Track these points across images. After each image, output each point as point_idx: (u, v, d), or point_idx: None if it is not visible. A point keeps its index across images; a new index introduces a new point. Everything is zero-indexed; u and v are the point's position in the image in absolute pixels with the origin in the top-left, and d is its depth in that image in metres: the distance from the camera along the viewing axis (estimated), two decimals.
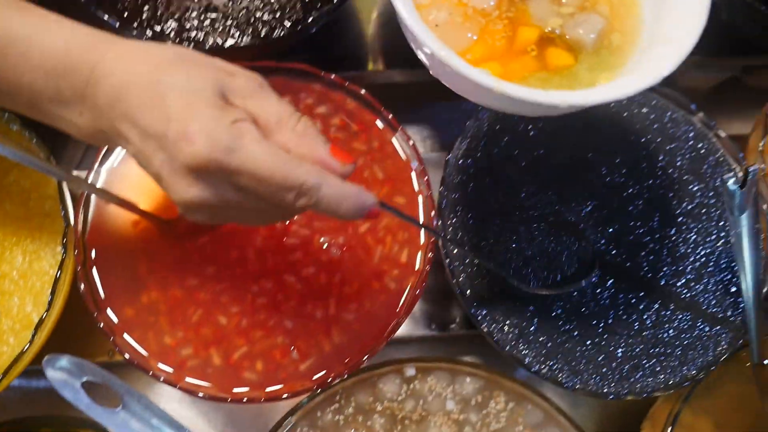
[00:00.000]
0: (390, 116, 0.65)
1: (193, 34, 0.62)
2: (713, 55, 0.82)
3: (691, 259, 0.64)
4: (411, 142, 0.64)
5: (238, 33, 0.62)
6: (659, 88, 0.69)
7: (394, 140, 0.65)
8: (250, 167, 0.38)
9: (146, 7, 0.63)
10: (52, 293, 0.57)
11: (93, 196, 0.61)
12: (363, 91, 0.65)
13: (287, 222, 0.62)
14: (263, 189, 0.39)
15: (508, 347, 0.60)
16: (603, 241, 0.64)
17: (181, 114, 0.38)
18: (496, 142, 0.66)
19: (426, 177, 0.62)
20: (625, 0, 0.51)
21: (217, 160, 0.38)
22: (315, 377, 0.59)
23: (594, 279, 0.62)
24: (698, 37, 0.46)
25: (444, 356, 0.64)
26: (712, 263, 0.64)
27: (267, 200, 0.40)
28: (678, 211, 0.66)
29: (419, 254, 0.62)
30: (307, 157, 0.40)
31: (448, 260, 0.62)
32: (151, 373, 0.57)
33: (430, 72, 0.54)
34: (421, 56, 0.52)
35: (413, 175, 0.63)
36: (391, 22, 0.81)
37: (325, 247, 0.62)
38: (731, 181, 0.53)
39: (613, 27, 0.50)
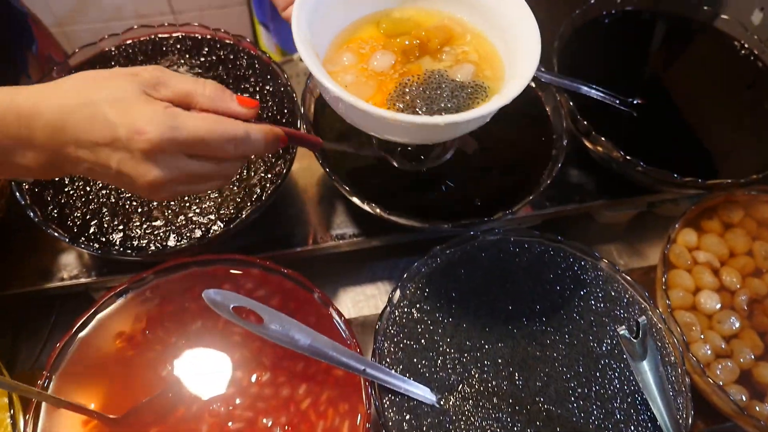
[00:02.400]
0: (321, 294, 0.71)
1: (136, 242, 0.69)
2: (620, 197, 0.91)
3: (618, 399, 0.68)
4: (342, 318, 0.69)
5: (177, 237, 0.70)
6: (565, 241, 0.76)
7: (330, 313, 0.71)
8: (194, 135, 0.49)
9: (93, 222, 0.70)
10: None
11: (43, 402, 0.65)
12: (296, 274, 0.71)
13: (230, 407, 0.65)
14: (210, 148, 0.51)
15: None
16: (532, 393, 0.67)
17: (124, 117, 0.48)
18: (421, 308, 0.71)
19: (358, 349, 0.67)
20: (488, 52, 0.65)
21: (168, 139, 0.48)
22: None
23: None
24: (533, 72, 0.58)
25: None
26: (639, 401, 0.68)
27: (215, 157, 0.52)
28: (599, 353, 0.70)
29: (359, 425, 0.65)
30: (224, 113, 0.53)
31: (385, 430, 0.64)
32: None
33: (346, 120, 0.63)
34: (338, 109, 0.62)
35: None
36: (328, 196, 0.90)
37: (269, 426, 0.65)
38: (624, 332, 0.58)
39: (482, 68, 0.64)
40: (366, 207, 0.74)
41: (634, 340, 0.58)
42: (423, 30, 0.65)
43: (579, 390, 0.68)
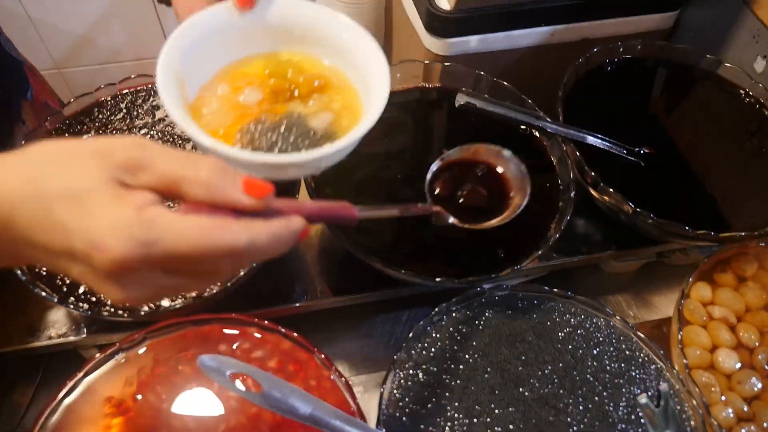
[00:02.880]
0: (323, 356, 0.67)
1: (128, 304, 0.66)
2: (629, 248, 0.88)
3: None
4: (343, 379, 0.65)
5: (171, 296, 0.67)
6: (576, 296, 0.74)
7: (331, 377, 0.67)
8: (175, 252, 0.36)
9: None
10: None
11: None
12: (295, 334, 0.68)
13: None
14: (197, 265, 0.38)
15: None
16: None
17: (79, 223, 0.35)
18: (427, 369, 0.68)
19: (362, 416, 0.63)
20: (353, 104, 0.65)
21: (138, 257, 0.35)
22: None
23: None
24: (379, 113, 0.57)
25: None
26: None
27: (204, 272, 0.40)
28: (616, 417, 0.67)
29: None
30: (223, 204, 0.39)
31: None
32: None
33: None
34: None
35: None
36: (329, 249, 0.87)
37: None
38: (645, 400, 0.55)
39: (341, 118, 0.64)
40: (376, 264, 0.71)
41: (656, 409, 0.55)
42: (301, 75, 0.67)
43: None
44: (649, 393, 0.62)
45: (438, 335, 0.71)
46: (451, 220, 0.71)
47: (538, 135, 0.85)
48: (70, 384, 0.65)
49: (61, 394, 0.65)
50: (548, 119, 0.82)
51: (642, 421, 0.66)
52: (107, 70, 2.11)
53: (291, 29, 0.67)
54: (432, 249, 0.77)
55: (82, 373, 0.66)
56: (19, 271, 0.68)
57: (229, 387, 0.55)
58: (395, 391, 0.67)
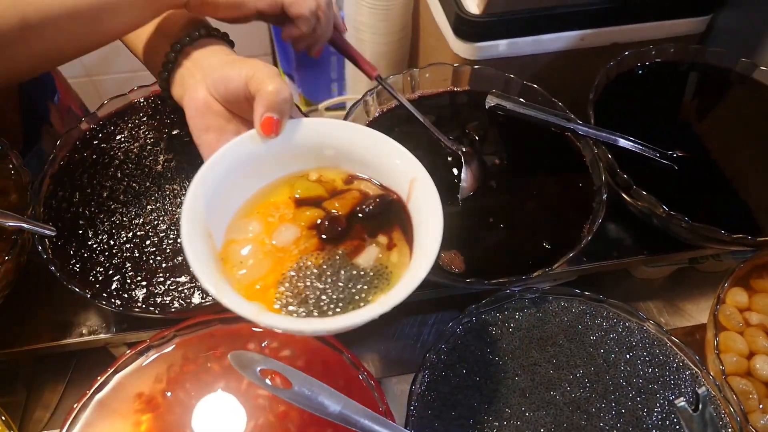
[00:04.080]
0: (351, 356, 0.67)
1: (159, 299, 0.66)
2: (661, 253, 0.87)
3: None
4: (374, 382, 0.65)
5: (202, 293, 0.67)
6: (608, 300, 0.72)
7: (360, 377, 0.67)
8: None
9: (116, 278, 0.68)
10: None
11: None
12: (324, 334, 0.68)
13: None
14: None
15: None
16: None
17: None
18: (458, 371, 0.67)
19: (391, 417, 0.63)
20: (396, 231, 0.59)
21: None
22: None
23: None
24: (438, 245, 0.52)
25: None
26: None
27: None
28: (650, 423, 0.65)
29: None
30: None
31: None
32: None
33: None
34: None
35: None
36: None
37: None
38: (683, 404, 0.54)
39: (390, 251, 0.58)
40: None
41: (694, 414, 0.54)
42: (336, 202, 0.60)
43: None
44: (686, 397, 0.60)
45: (468, 337, 0.70)
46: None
47: (570, 136, 0.84)
48: (101, 380, 0.66)
49: (92, 390, 0.65)
50: (579, 122, 0.81)
51: (677, 427, 0.65)
52: (137, 78, 2.15)
53: (322, 149, 0.61)
54: (461, 250, 0.76)
55: (112, 369, 0.66)
56: (52, 267, 0.69)
57: (259, 383, 0.56)
58: (424, 392, 0.66)
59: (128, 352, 0.67)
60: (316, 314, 0.54)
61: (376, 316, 0.50)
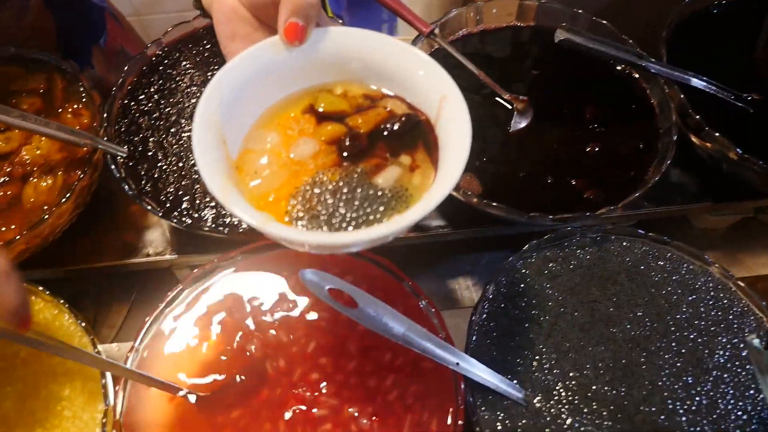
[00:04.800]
0: (412, 283, 0.68)
1: (227, 220, 0.68)
2: (724, 201, 0.84)
3: (732, 417, 0.62)
4: (435, 310, 0.66)
5: None
6: (673, 242, 0.71)
7: (420, 305, 0.68)
8: None
9: (185, 198, 0.69)
10: None
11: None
12: (386, 262, 0.69)
13: (315, 393, 0.63)
14: None
15: None
16: (636, 402, 0.63)
17: None
18: (517, 304, 0.68)
19: (450, 343, 0.64)
20: (422, 152, 0.56)
21: None
22: None
23: None
24: (462, 168, 0.48)
25: None
26: (756, 421, 0.62)
27: None
28: (710, 365, 0.65)
29: (449, 422, 0.62)
30: None
31: (478, 428, 0.61)
32: None
33: None
34: None
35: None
36: None
37: (355, 415, 0.63)
38: (755, 341, 0.53)
39: (412, 172, 0.55)
40: (459, 195, 0.71)
41: (765, 351, 0.53)
42: (360, 118, 0.57)
43: (688, 402, 0.63)
44: (759, 333, 0.60)
45: (527, 271, 0.70)
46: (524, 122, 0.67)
47: (637, 77, 0.82)
48: (171, 295, 0.68)
49: (163, 304, 0.68)
50: (651, 59, 0.78)
51: (738, 369, 0.64)
52: (184, 18, 2.15)
53: (348, 62, 0.58)
54: (524, 187, 0.76)
55: (181, 286, 0.69)
56: (125, 186, 0.71)
57: (327, 301, 0.57)
58: (484, 321, 0.67)
59: (196, 271, 0.69)
60: (325, 228, 0.51)
61: (388, 235, 0.47)
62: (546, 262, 0.71)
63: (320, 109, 0.58)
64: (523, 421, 0.62)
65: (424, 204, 0.49)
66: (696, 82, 0.78)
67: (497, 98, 0.81)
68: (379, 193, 0.53)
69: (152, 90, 0.79)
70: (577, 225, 0.72)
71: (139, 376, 0.62)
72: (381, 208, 0.52)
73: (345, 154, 0.55)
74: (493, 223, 0.79)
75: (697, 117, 0.74)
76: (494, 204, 0.69)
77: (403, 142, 0.56)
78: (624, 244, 0.72)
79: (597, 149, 0.77)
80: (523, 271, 0.70)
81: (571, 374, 0.64)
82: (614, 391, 0.63)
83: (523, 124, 0.78)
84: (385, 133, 0.56)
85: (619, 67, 0.83)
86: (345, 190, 0.53)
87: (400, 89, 0.58)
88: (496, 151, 0.78)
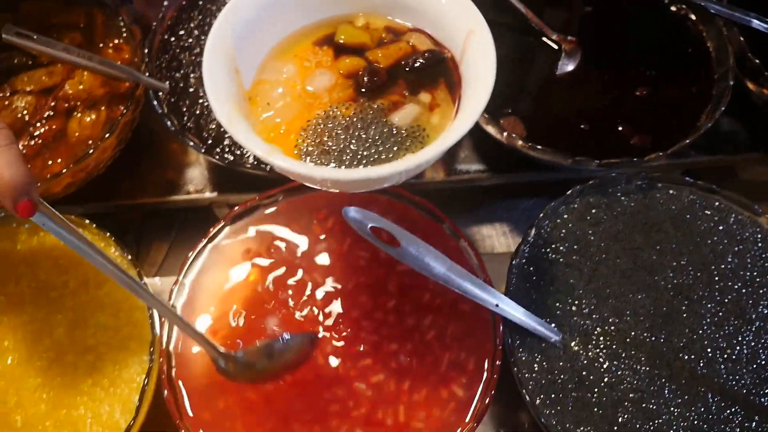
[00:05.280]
0: (451, 225, 0.68)
1: None
2: None
3: None
4: (475, 252, 0.66)
5: None
6: (722, 191, 0.69)
7: (460, 246, 0.68)
8: None
9: (227, 135, 0.69)
10: (140, 400, 0.60)
11: (179, 308, 0.66)
12: (426, 203, 0.68)
13: (356, 330, 0.64)
14: None
15: None
16: (675, 349, 0.63)
17: None
18: (557, 249, 0.67)
19: (490, 284, 0.64)
20: (442, 91, 0.54)
21: None
22: None
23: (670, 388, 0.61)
24: (481, 110, 0.47)
25: None
26: None
27: None
28: (753, 315, 0.64)
29: (486, 362, 0.63)
30: None
31: (516, 369, 0.62)
32: None
33: None
34: None
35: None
36: None
37: (395, 351, 0.64)
38: None
39: (431, 111, 0.52)
40: (502, 138, 0.69)
41: None
42: (380, 52, 0.54)
43: (728, 351, 0.62)
44: None
45: (569, 216, 0.69)
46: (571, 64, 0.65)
47: (693, 18, 0.78)
48: (214, 231, 0.69)
49: (206, 239, 0.69)
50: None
51: None
52: None
53: None
54: (569, 131, 0.74)
55: (223, 223, 0.70)
56: (168, 122, 0.71)
57: (369, 238, 0.57)
58: (524, 265, 0.66)
59: (237, 208, 0.70)
60: (334, 165, 0.50)
61: (396, 174, 0.46)
62: (589, 208, 0.70)
63: (340, 41, 0.55)
64: (560, 363, 0.62)
65: (440, 142, 0.47)
66: (757, 24, 0.74)
67: (544, 38, 0.78)
68: (394, 132, 0.51)
69: (192, 25, 0.78)
70: (622, 171, 0.71)
71: (180, 322, 0.62)
72: (395, 148, 0.50)
73: (362, 89, 0.53)
74: (534, 167, 0.78)
75: (756, 61, 0.70)
76: (539, 147, 0.67)
77: (424, 80, 0.54)
78: (670, 191, 0.70)
79: (646, 93, 0.75)
80: (566, 216, 0.69)
81: (610, 320, 0.64)
82: (653, 338, 0.63)
83: (570, 67, 0.75)
84: (407, 69, 0.54)
85: (674, 8, 0.79)
86: (359, 126, 0.51)
87: (425, 23, 0.55)
88: (542, 93, 0.76)
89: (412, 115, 0.52)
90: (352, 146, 0.50)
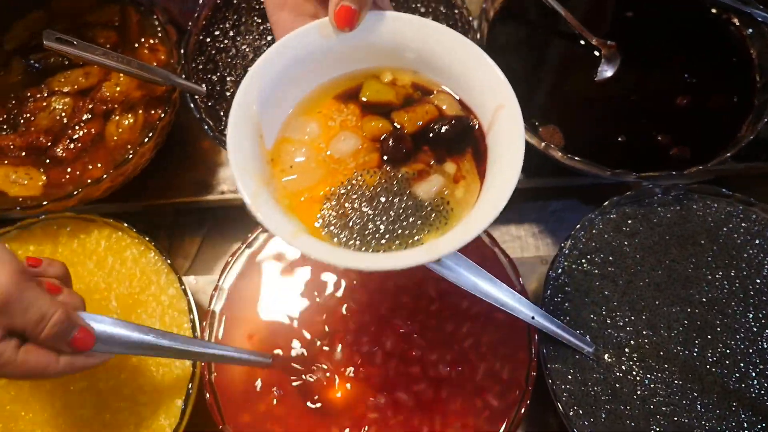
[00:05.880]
0: (487, 232, 0.68)
1: None
2: None
3: None
4: (509, 260, 0.67)
5: None
6: (760, 203, 0.69)
7: (496, 253, 0.68)
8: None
9: None
10: (185, 404, 0.62)
11: (218, 312, 0.67)
12: None
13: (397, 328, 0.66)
14: None
15: None
16: (708, 363, 0.63)
17: None
18: (593, 260, 0.68)
19: (526, 295, 0.65)
20: (468, 162, 0.52)
21: None
22: None
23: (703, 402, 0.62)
24: (511, 191, 0.46)
25: None
26: None
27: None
28: None
29: (522, 373, 0.64)
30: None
31: (550, 381, 0.63)
32: None
33: None
34: None
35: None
36: None
37: (433, 359, 0.65)
38: None
39: (456, 184, 0.51)
40: (540, 148, 0.69)
41: None
42: (407, 114, 0.52)
43: (761, 366, 0.63)
44: None
45: (606, 228, 0.69)
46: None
47: (737, 24, 0.76)
48: (252, 237, 0.70)
49: (243, 244, 0.70)
50: (760, 6, 0.73)
51: None
52: None
53: (402, 50, 0.52)
54: (607, 140, 0.73)
55: (261, 228, 0.70)
56: (206, 127, 0.71)
57: None
58: (560, 277, 0.67)
59: None
60: (357, 242, 0.48)
61: (419, 264, 0.44)
62: (625, 218, 0.70)
63: (364, 99, 0.53)
64: (594, 375, 0.63)
65: (465, 230, 0.45)
66: None
67: (582, 41, 0.77)
68: (419, 205, 0.49)
69: (227, 26, 0.78)
70: (660, 182, 0.70)
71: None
72: (419, 222, 0.49)
73: (387, 155, 0.51)
74: (568, 173, 0.77)
75: None
76: (577, 159, 0.67)
77: (451, 148, 0.52)
78: (707, 203, 0.70)
79: (686, 102, 0.74)
80: (601, 226, 0.69)
81: (644, 332, 0.65)
82: (686, 352, 0.64)
83: (609, 73, 0.74)
84: (432, 135, 0.52)
85: (714, 10, 0.77)
86: (382, 198, 0.49)
87: (454, 85, 0.53)
88: (581, 100, 0.75)
89: (436, 186, 0.50)
90: (375, 221, 0.49)
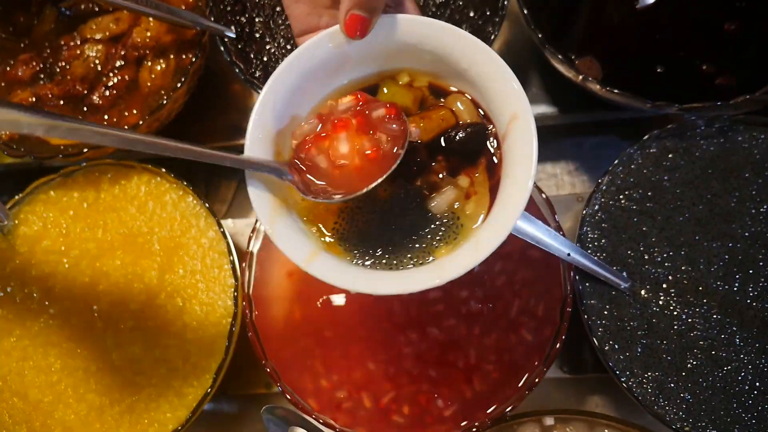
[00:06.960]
0: None
1: None
2: None
3: None
4: (545, 197, 0.66)
5: None
6: None
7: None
8: None
9: None
10: (229, 341, 0.65)
11: (256, 254, 0.69)
12: None
13: None
14: None
15: (648, 404, 0.61)
16: (749, 298, 0.62)
17: None
18: (630, 196, 0.66)
19: (561, 232, 0.64)
20: (481, 173, 0.51)
21: None
22: (461, 424, 0.63)
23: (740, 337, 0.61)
24: (522, 207, 0.45)
25: (581, 408, 0.65)
26: None
27: None
28: None
29: (557, 309, 0.64)
30: None
31: (585, 316, 0.63)
32: (313, 416, 0.63)
33: None
34: None
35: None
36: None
37: (464, 297, 0.66)
38: None
39: (468, 197, 0.50)
40: (577, 80, 0.67)
41: None
42: (422, 121, 0.50)
43: None
44: None
45: (645, 162, 0.67)
46: None
47: None
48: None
49: None
50: None
51: None
52: None
53: (419, 54, 0.51)
54: (648, 70, 0.70)
55: None
56: (237, 70, 0.71)
57: None
58: (597, 214, 0.66)
59: None
60: (368, 256, 0.49)
61: (426, 288, 0.45)
62: (665, 153, 0.68)
63: (384, 91, 0.52)
64: (630, 311, 0.63)
65: (470, 257, 0.45)
66: None
67: None
68: (429, 217, 0.50)
69: None
70: (703, 114, 0.68)
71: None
72: (429, 236, 0.49)
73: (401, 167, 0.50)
74: (604, 107, 0.75)
75: None
76: (616, 91, 0.65)
77: (465, 158, 0.51)
78: (753, 134, 0.67)
79: (734, 27, 0.70)
80: (640, 161, 0.68)
81: (682, 268, 0.64)
82: (726, 287, 0.63)
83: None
84: (446, 143, 0.51)
85: None
86: (396, 212, 0.50)
87: (471, 89, 0.52)
88: (620, 29, 0.72)
89: (448, 201, 0.50)
90: (388, 235, 0.50)
